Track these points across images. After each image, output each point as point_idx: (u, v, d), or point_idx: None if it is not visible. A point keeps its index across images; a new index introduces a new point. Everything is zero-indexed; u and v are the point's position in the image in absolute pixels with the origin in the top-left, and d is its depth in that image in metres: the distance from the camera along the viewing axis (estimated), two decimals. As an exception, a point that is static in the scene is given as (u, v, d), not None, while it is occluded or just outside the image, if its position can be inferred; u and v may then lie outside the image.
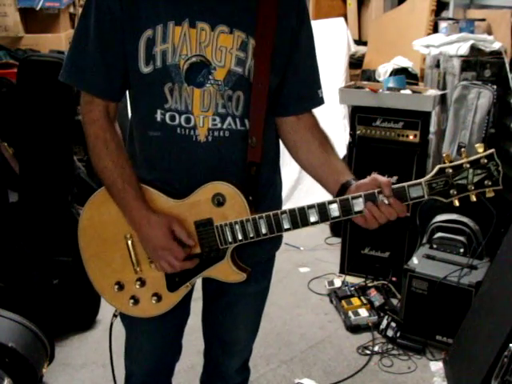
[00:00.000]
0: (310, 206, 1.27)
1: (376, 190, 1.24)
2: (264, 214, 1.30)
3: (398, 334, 2.70)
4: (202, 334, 1.68)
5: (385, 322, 2.78)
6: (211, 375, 1.73)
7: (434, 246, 2.88)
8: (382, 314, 2.86)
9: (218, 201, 1.32)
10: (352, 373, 2.53)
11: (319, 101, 1.45)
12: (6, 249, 2.63)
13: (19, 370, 2.10)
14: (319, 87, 1.45)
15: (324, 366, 2.59)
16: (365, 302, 2.96)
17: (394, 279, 3.13)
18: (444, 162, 1.23)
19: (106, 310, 2.89)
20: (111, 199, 1.37)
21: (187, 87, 1.28)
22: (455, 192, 1.21)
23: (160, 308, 1.42)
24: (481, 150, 1.20)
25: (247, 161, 1.34)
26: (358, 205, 1.25)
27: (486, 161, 1.19)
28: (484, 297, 2.39)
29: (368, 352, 2.67)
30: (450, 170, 1.21)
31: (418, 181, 1.23)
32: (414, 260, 2.75)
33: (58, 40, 4.31)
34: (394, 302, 3.00)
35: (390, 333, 2.73)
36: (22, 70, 2.73)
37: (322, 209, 1.26)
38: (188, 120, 1.31)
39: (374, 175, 1.27)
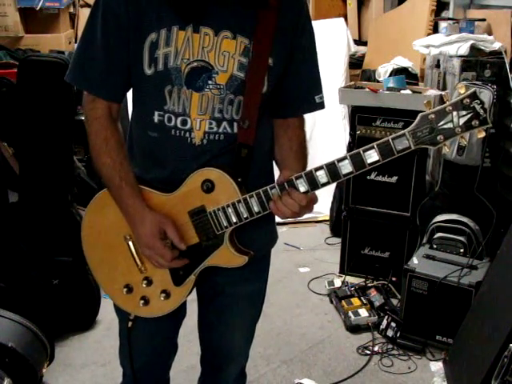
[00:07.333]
0: (298, 177, 1.27)
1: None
2: (254, 193, 1.30)
3: (398, 334, 2.70)
4: (199, 341, 1.68)
5: (385, 322, 2.77)
6: (209, 382, 1.73)
7: (434, 246, 2.88)
8: (381, 314, 2.86)
9: (207, 187, 1.32)
10: (352, 373, 2.53)
11: (315, 106, 1.46)
12: (5, 249, 2.63)
13: (19, 370, 2.10)
14: (318, 92, 1.45)
15: (324, 366, 2.59)
16: (365, 302, 2.95)
17: (394, 279, 3.13)
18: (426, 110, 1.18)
19: (105, 310, 2.89)
20: (109, 203, 1.38)
21: (186, 90, 1.30)
22: (442, 137, 1.17)
23: (170, 304, 1.43)
24: (462, 90, 1.15)
25: (237, 142, 1.34)
26: (346, 167, 1.23)
27: (468, 101, 1.14)
28: (484, 297, 2.39)
29: (368, 352, 2.67)
30: (433, 116, 1.16)
31: (402, 132, 1.18)
32: (414, 260, 2.75)
33: (58, 40, 4.32)
34: (394, 302, 3.00)
35: (390, 333, 2.73)
36: (22, 70, 2.73)
37: (310, 177, 1.26)
38: (184, 122, 1.32)
39: (283, 171, 1.30)
